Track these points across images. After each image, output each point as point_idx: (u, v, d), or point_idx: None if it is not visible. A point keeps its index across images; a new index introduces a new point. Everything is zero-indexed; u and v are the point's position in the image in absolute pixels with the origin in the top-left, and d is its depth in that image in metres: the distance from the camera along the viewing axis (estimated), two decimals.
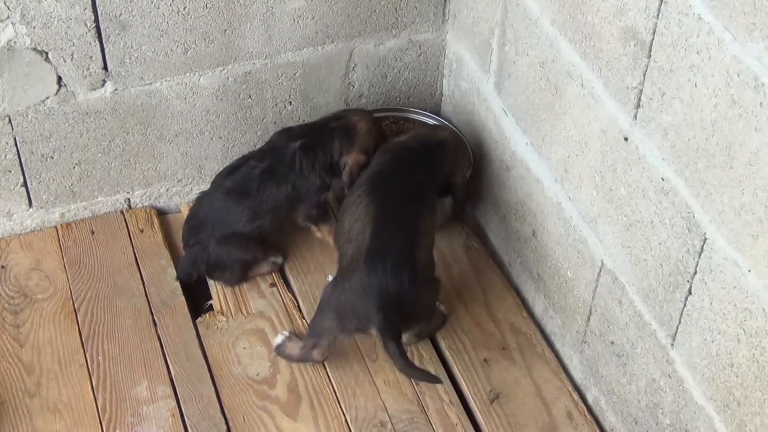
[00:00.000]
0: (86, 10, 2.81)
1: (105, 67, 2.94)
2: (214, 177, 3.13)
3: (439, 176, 2.92)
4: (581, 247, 2.69)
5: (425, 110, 3.42)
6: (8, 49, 2.81)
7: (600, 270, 2.62)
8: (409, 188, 2.81)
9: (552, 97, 2.67)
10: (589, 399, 2.83)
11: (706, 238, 2.17)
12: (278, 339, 2.92)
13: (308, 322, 2.96)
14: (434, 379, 2.75)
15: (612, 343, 2.65)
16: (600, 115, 2.46)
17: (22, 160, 3.05)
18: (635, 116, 2.32)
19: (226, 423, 2.75)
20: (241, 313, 3.03)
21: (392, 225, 2.71)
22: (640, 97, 2.28)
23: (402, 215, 2.74)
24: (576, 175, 2.63)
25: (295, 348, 2.86)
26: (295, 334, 2.92)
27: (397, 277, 2.63)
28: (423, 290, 2.72)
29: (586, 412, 2.81)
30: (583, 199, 2.62)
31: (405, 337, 2.80)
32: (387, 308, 2.61)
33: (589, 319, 2.74)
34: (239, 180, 2.99)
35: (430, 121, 3.38)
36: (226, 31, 3.00)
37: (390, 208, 2.75)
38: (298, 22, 3.07)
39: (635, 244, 2.43)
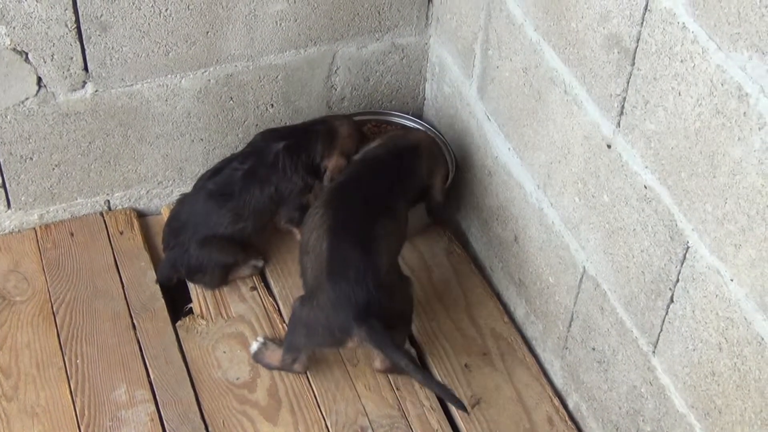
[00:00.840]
0: (67, 11, 2.79)
1: (85, 68, 2.93)
2: (195, 180, 3.11)
3: (408, 182, 2.89)
4: (563, 253, 2.69)
5: (407, 114, 3.42)
6: None
7: (582, 276, 2.62)
8: (366, 196, 2.78)
9: (535, 103, 2.67)
10: (570, 405, 2.83)
11: (688, 247, 2.17)
12: (254, 346, 2.90)
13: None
14: (456, 402, 2.68)
15: (593, 349, 2.65)
16: (583, 121, 2.46)
17: (1, 161, 3.03)
18: (618, 123, 2.32)
19: (206, 427, 2.74)
20: (222, 316, 3.02)
21: (347, 235, 2.67)
22: (623, 105, 2.28)
23: (356, 223, 2.71)
24: (558, 181, 2.63)
25: (273, 356, 2.85)
26: (271, 340, 2.91)
27: (363, 286, 2.60)
28: (391, 293, 2.68)
29: (567, 418, 2.81)
30: (566, 205, 2.62)
31: (378, 361, 2.81)
32: (365, 318, 2.59)
33: (570, 325, 2.74)
34: (222, 182, 2.98)
35: (413, 125, 3.38)
36: (208, 32, 2.98)
37: (344, 217, 2.72)
38: (280, 24, 3.06)
39: (617, 251, 2.43)
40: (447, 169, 3.09)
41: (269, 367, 2.86)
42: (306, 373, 2.86)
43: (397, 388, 2.85)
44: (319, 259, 2.66)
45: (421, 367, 2.70)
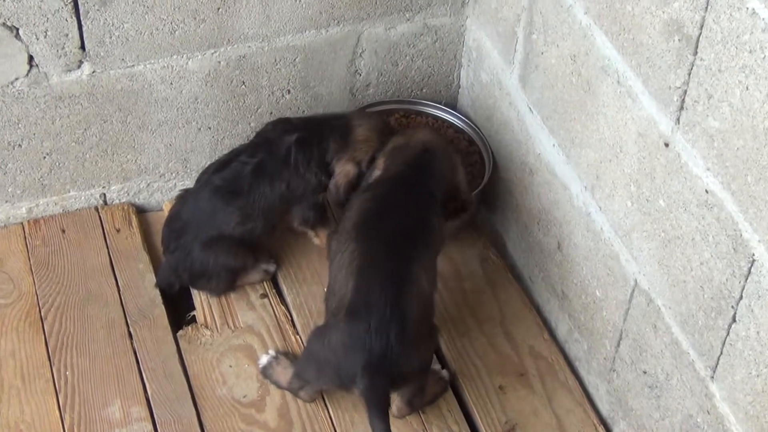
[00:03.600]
0: None
1: (82, 47, 2.95)
2: (200, 173, 3.13)
3: (438, 192, 2.85)
4: (612, 263, 2.69)
5: (440, 103, 3.43)
6: None
7: (633, 290, 2.62)
8: (402, 228, 2.75)
9: (584, 95, 2.67)
10: None
11: (754, 260, 2.17)
12: (264, 360, 2.92)
13: (303, 337, 2.97)
14: None
15: (644, 372, 2.65)
16: (638, 116, 2.46)
17: None
18: (678, 120, 2.32)
19: None
20: (228, 326, 3.03)
21: (377, 276, 2.66)
22: (683, 99, 2.28)
23: (390, 262, 2.68)
24: (608, 182, 2.63)
25: (283, 374, 2.86)
26: (283, 354, 2.92)
27: (383, 336, 2.59)
28: (414, 348, 2.66)
29: None
30: (616, 209, 2.62)
31: (395, 407, 2.80)
32: (372, 370, 2.58)
33: (619, 345, 2.74)
34: (229, 177, 2.99)
35: (445, 116, 3.39)
36: (219, 9, 3.00)
37: (375, 255, 2.70)
38: (299, 1, 3.07)
39: (674, 262, 2.43)
40: (460, 162, 3.05)
41: (278, 386, 2.88)
42: (321, 392, 2.87)
43: (422, 411, 2.86)
44: (344, 299, 2.66)
45: None
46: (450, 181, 2.92)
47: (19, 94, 2.98)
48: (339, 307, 2.66)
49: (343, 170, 3.01)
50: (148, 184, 3.30)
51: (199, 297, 3.10)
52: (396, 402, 2.80)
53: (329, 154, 3.02)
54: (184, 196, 3.09)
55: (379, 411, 2.56)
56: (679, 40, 2.25)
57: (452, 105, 3.47)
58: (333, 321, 2.68)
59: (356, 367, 2.58)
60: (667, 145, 2.37)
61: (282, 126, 3.06)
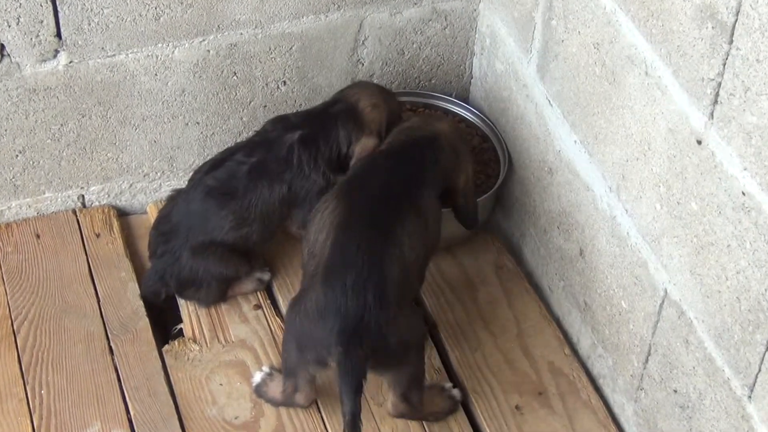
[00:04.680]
0: None
1: (58, 34, 2.95)
2: (188, 172, 3.14)
3: (435, 175, 2.88)
4: (640, 271, 2.69)
5: (450, 95, 3.43)
6: None
7: (662, 301, 2.62)
8: (388, 189, 2.78)
9: (608, 86, 2.67)
10: None
11: None
12: (257, 377, 2.92)
13: None
14: None
15: (675, 391, 2.65)
16: (668, 110, 2.46)
17: None
18: (711, 114, 2.31)
19: None
20: (218, 340, 3.04)
21: (356, 232, 2.68)
22: (718, 92, 2.28)
23: (372, 220, 2.71)
24: (636, 183, 2.63)
25: (277, 390, 2.86)
26: (278, 371, 2.92)
27: (360, 297, 2.59)
28: (397, 317, 2.65)
29: None
30: (644, 213, 2.62)
31: (389, 402, 2.79)
32: (348, 335, 2.56)
33: (647, 361, 2.74)
34: (223, 178, 3.00)
35: (455, 110, 3.38)
36: None
37: (359, 212, 2.72)
38: None
39: (707, 271, 2.43)
40: (471, 169, 3.05)
41: (273, 403, 2.88)
42: (320, 412, 2.87)
43: (430, 429, 2.86)
44: (321, 259, 2.67)
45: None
46: (445, 176, 2.93)
47: None
48: (317, 269, 2.67)
49: (363, 147, 3.03)
50: (131, 185, 3.30)
51: (186, 308, 3.10)
52: (390, 396, 2.80)
53: (344, 145, 3.02)
54: (175, 197, 3.09)
55: (352, 384, 2.54)
56: (712, 27, 2.25)
57: (464, 97, 3.47)
58: (309, 283, 2.69)
59: (330, 333, 2.57)
60: (699, 142, 2.37)
61: (281, 123, 3.06)
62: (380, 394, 2.90)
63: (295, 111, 3.24)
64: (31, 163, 3.16)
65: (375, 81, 3.34)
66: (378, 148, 3.01)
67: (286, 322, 2.77)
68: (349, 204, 2.73)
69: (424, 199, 2.82)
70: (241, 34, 3.11)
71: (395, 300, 2.65)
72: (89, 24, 2.95)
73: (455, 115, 3.39)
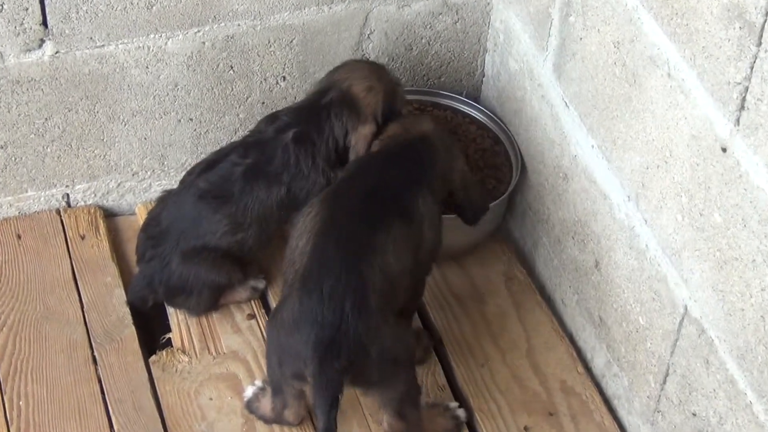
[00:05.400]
0: None
1: (44, 23, 2.95)
2: (180, 171, 3.14)
3: (433, 181, 2.86)
4: (659, 286, 2.68)
5: (460, 95, 3.42)
6: None
7: (682, 318, 2.62)
8: (375, 194, 2.76)
9: (629, 88, 2.66)
10: None
11: None
12: (249, 392, 2.92)
13: None
14: None
15: (694, 414, 2.64)
16: (691, 115, 2.45)
17: None
18: (737, 120, 2.30)
19: None
20: (209, 352, 3.03)
21: (338, 238, 2.66)
22: (744, 97, 2.27)
23: (354, 226, 2.69)
24: (656, 192, 2.63)
25: (269, 405, 2.86)
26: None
27: (337, 304, 2.56)
28: (379, 326, 2.62)
29: None
30: (664, 224, 2.62)
31: (385, 423, 2.77)
32: (324, 347, 2.54)
33: (665, 382, 2.73)
34: (216, 180, 2.99)
35: (467, 110, 3.38)
36: None
37: (341, 217, 2.70)
38: None
39: (731, 287, 2.42)
40: (463, 161, 3.03)
41: (265, 420, 2.88)
42: (315, 430, 2.86)
43: None
44: (300, 266, 2.66)
45: None
46: (447, 177, 2.92)
47: None
48: (295, 277, 2.66)
49: (361, 135, 3.01)
50: (119, 184, 3.30)
51: (176, 316, 3.10)
52: (384, 417, 2.79)
53: (339, 137, 3.01)
54: (166, 198, 3.09)
55: (326, 399, 2.52)
56: (740, 27, 2.24)
57: (475, 96, 3.47)
58: (287, 292, 2.68)
59: (306, 344, 2.55)
60: (724, 150, 2.36)
61: (275, 123, 3.05)
62: (380, 411, 2.90)
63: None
64: (13, 159, 3.16)
65: (394, 79, 3.31)
66: (375, 134, 2.99)
67: (267, 335, 2.77)
68: (332, 209, 2.72)
69: (418, 206, 2.79)
70: (239, 25, 3.11)
71: (377, 309, 2.61)
72: (77, 12, 2.95)
73: (465, 115, 3.39)
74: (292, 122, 3.02)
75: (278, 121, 3.04)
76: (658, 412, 2.79)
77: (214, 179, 3.00)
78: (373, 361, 2.61)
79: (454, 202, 2.99)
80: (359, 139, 3.00)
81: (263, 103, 3.26)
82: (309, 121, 3.03)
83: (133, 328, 3.04)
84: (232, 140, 3.22)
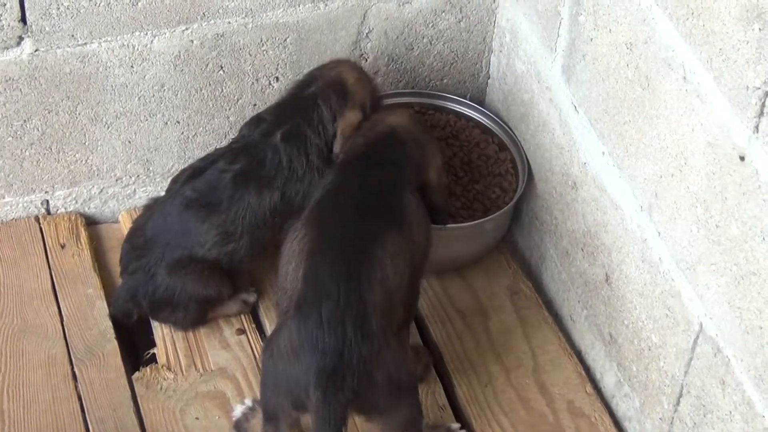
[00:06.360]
0: None
1: (23, 19, 2.95)
2: (167, 177, 3.14)
3: (407, 174, 2.86)
4: (673, 302, 2.69)
5: (464, 97, 3.43)
6: None
7: (697, 336, 2.62)
8: (361, 206, 2.76)
9: (642, 92, 2.67)
10: None
11: None
12: (238, 411, 2.93)
13: None
14: None
15: None
16: (707, 121, 2.45)
17: None
18: (756, 128, 2.31)
19: None
20: (196, 368, 3.04)
21: (331, 257, 2.65)
22: (764, 102, 2.27)
23: (347, 242, 2.68)
24: (670, 202, 2.63)
25: (258, 426, 2.85)
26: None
27: (338, 330, 2.55)
28: (382, 350, 2.62)
29: None
30: (679, 236, 2.62)
31: None
32: (327, 376, 2.53)
33: (678, 403, 2.74)
34: (204, 188, 3.00)
35: (471, 113, 3.39)
36: None
37: (331, 235, 2.70)
38: None
39: (748, 304, 2.42)
40: (441, 160, 3.03)
41: None
42: None
43: None
44: (294, 292, 2.65)
45: None
46: (419, 171, 2.92)
47: None
48: (290, 305, 2.65)
49: (348, 121, 3.02)
50: (101, 190, 3.30)
51: (161, 331, 3.11)
52: None
53: (328, 124, 3.02)
54: (152, 206, 3.10)
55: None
56: (759, 29, 2.25)
57: (479, 99, 3.48)
58: (282, 320, 2.67)
59: (307, 373, 2.54)
60: (742, 158, 2.37)
61: (258, 126, 3.05)
62: None
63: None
64: None
65: (379, 78, 3.34)
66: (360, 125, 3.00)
67: (262, 364, 2.76)
68: (320, 228, 2.71)
69: (403, 209, 2.79)
70: (229, 23, 3.11)
71: (379, 330, 2.61)
72: (58, 8, 2.95)
73: (469, 119, 3.40)
74: (278, 121, 3.03)
75: (263, 123, 3.05)
76: None
77: (201, 187, 3.00)
78: (378, 388, 2.61)
79: (427, 202, 2.94)
80: (346, 125, 3.01)
81: (255, 105, 3.27)
82: (296, 114, 3.03)
83: (115, 343, 3.05)
84: (221, 144, 3.22)
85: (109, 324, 3.08)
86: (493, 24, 3.36)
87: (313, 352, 2.54)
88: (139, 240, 3.05)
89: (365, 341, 2.56)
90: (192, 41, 3.11)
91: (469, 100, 3.42)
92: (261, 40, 3.17)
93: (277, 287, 2.78)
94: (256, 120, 3.08)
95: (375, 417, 2.73)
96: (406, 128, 2.96)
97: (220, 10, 3.08)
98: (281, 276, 2.72)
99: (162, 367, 3.03)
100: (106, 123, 3.18)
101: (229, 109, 3.26)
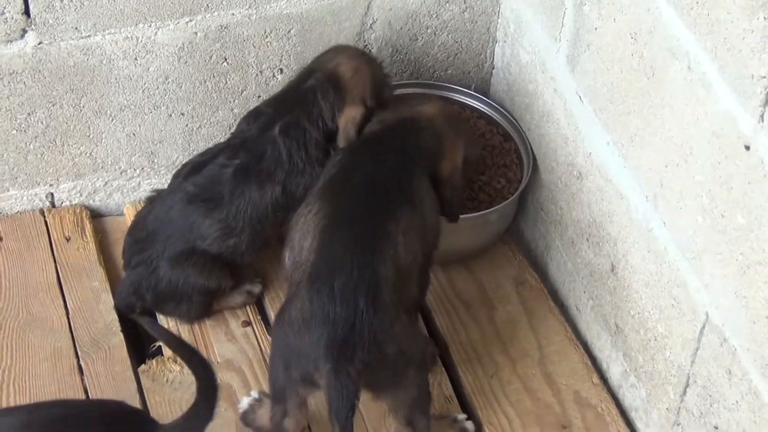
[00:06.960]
0: None
1: (26, 12, 2.95)
2: (174, 169, 3.14)
3: (420, 160, 2.87)
4: (678, 292, 2.69)
5: (469, 88, 3.43)
6: None
7: (703, 326, 2.62)
8: (375, 182, 2.77)
9: (647, 82, 2.67)
10: None
11: None
12: (244, 403, 2.93)
13: None
14: None
15: (715, 428, 2.64)
16: (712, 111, 2.45)
17: None
18: (761, 117, 2.31)
19: None
20: None
21: (345, 233, 2.67)
22: None
23: (361, 217, 2.70)
24: (675, 191, 2.63)
25: (266, 417, 2.86)
26: (268, 396, 2.91)
27: (350, 301, 2.57)
28: (394, 323, 2.63)
29: None
30: (684, 225, 2.62)
31: (393, 430, 2.77)
32: (337, 348, 2.54)
33: (685, 393, 2.74)
34: (205, 183, 3.00)
35: (475, 104, 3.39)
36: None
37: (346, 210, 2.72)
38: None
39: (755, 293, 2.42)
40: (460, 158, 3.02)
41: None
42: None
43: None
44: (307, 266, 2.66)
45: None
46: (432, 161, 2.91)
47: None
48: (302, 277, 2.66)
49: (349, 116, 3.01)
50: (106, 183, 3.31)
51: (166, 324, 3.11)
52: (393, 424, 2.79)
53: (328, 119, 3.01)
54: (154, 199, 3.10)
55: (343, 406, 2.52)
56: (764, 18, 2.25)
57: (484, 90, 3.48)
58: (295, 291, 2.68)
59: (318, 345, 2.55)
60: (747, 148, 2.37)
61: (256, 120, 3.04)
62: (384, 425, 2.91)
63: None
64: None
65: (384, 70, 3.33)
66: (366, 118, 3.00)
67: (272, 337, 2.77)
68: (334, 203, 2.73)
69: (415, 188, 2.81)
70: (233, 14, 3.11)
71: (391, 304, 2.63)
72: (61, 0, 2.95)
73: (474, 109, 3.40)
74: (276, 114, 3.03)
75: (262, 117, 3.05)
76: (678, 425, 2.79)
77: (202, 182, 3.00)
78: (388, 361, 2.62)
79: (438, 195, 2.94)
80: (347, 122, 3.01)
81: (259, 96, 3.27)
82: (295, 107, 3.03)
83: (121, 336, 3.05)
84: (225, 136, 3.22)
85: (114, 317, 3.09)
86: (497, 14, 3.36)
87: (324, 323, 2.56)
88: (141, 233, 3.06)
89: (377, 313, 2.58)
90: (196, 33, 3.11)
91: (474, 91, 3.42)
92: (265, 32, 3.17)
93: (283, 273, 2.79)
94: (254, 114, 3.08)
95: (383, 393, 2.73)
96: (430, 117, 2.96)
97: (224, 2, 3.08)
98: (295, 250, 2.73)
99: (168, 359, 3.04)
100: (111, 115, 3.18)
101: (234, 101, 3.26)
